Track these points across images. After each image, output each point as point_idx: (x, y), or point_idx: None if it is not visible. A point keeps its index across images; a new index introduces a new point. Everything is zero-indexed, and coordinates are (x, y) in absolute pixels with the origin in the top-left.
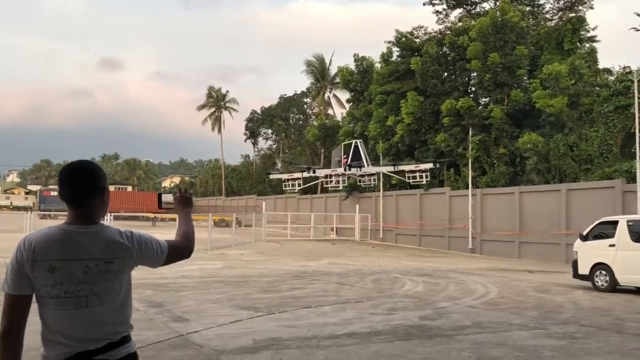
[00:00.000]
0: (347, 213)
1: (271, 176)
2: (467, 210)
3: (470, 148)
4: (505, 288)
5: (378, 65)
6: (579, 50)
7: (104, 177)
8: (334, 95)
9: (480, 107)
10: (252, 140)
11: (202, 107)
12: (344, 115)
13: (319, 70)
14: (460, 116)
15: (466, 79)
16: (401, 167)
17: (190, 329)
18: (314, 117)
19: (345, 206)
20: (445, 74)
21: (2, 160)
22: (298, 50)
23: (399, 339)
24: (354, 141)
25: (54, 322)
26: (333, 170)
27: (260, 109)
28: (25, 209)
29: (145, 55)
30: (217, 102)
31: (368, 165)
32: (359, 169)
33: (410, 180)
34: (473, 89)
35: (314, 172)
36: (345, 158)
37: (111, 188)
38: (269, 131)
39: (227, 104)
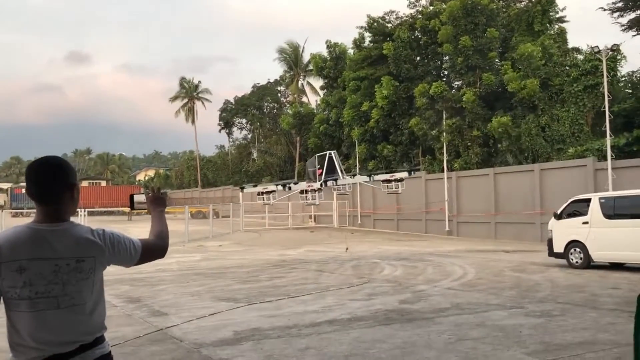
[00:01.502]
0: (325, 200)
1: (245, 190)
2: (444, 194)
3: (444, 132)
4: (482, 269)
5: (351, 52)
6: (548, 31)
7: (73, 173)
8: (308, 83)
9: (453, 90)
10: (227, 131)
11: (174, 98)
12: (318, 102)
13: (292, 57)
14: (434, 100)
15: (439, 62)
16: (377, 178)
17: (169, 323)
18: (288, 105)
19: (323, 193)
20: (418, 58)
21: None
22: (270, 38)
23: (379, 324)
24: (327, 152)
25: (23, 325)
26: (309, 185)
27: (233, 99)
28: None
29: (113, 47)
30: (189, 92)
31: (343, 177)
32: (334, 182)
33: (387, 190)
34: (446, 72)
35: (290, 188)
36: (319, 169)
37: (85, 183)
38: (244, 121)
39: (199, 95)
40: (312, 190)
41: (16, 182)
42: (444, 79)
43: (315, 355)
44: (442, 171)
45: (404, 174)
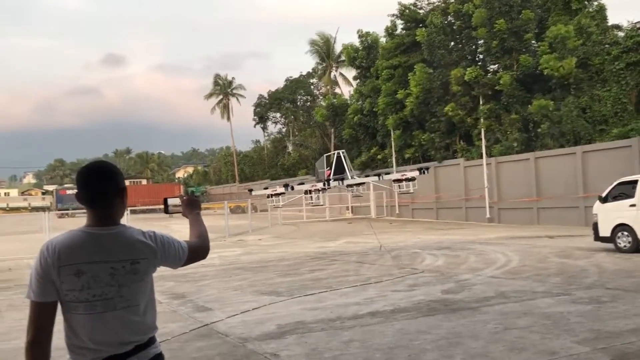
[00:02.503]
0: (364, 192)
1: (253, 193)
2: (483, 180)
3: (481, 117)
4: (526, 256)
5: (383, 40)
6: (586, 9)
7: (122, 177)
8: (340, 74)
9: (489, 74)
10: (262, 125)
11: (209, 95)
12: (352, 93)
13: (323, 49)
14: (470, 85)
15: (473, 47)
16: (387, 177)
17: (214, 318)
18: (321, 97)
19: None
20: (452, 43)
21: (18, 162)
22: (301, 31)
23: (422, 315)
24: (336, 152)
25: (82, 327)
26: (313, 186)
27: (267, 93)
28: (43, 209)
29: (146, 48)
30: (223, 89)
31: (352, 177)
32: (341, 181)
33: (398, 190)
34: (481, 56)
35: (292, 188)
36: (328, 170)
37: (126, 182)
38: (278, 115)
39: (234, 91)
40: (315, 191)
41: (61, 184)
42: (479, 64)
43: (359, 348)
44: (481, 157)
45: (415, 173)
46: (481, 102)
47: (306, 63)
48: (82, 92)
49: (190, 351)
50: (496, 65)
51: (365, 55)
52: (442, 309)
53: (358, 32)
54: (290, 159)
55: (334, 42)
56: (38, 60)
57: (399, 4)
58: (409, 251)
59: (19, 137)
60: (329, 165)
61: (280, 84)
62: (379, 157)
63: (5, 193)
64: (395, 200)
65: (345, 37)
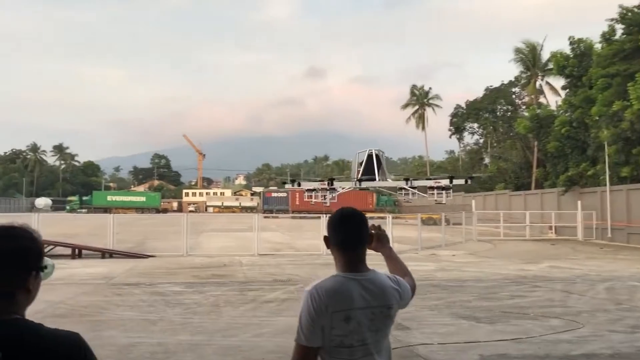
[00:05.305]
0: (567, 210)
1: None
2: None
3: None
4: None
5: (598, 46)
6: None
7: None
8: (547, 83)
9: None
10: (457, 136)
11: (405, 106)
12: (559, 103)
13: (529, 57)
14: None
15: None
16: (416, 183)
17: (412, 338)
18: (524, 107)
19: (564, 202)
20: None
21: (232, 165)
22: (499, 39)
23: None
24: (367, 150)
25: None
26: (321, 183)
27: (465, 103)
28: (251, 209)
29: (345, 60)
30: (420, 99)
31: (385, 178)
32: (357, 182)
33: (432, 198)
34: None
35: (299, 184)
36: (359, 169)
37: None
38: (475, 125)
39: (430, 101)
40: (322, 189)
41: (266, 187)
42: None
43: None
44: None
45: (446, 181)
46: None
47: (505, 72)
48: (285, 103)
49: None
50: None
51: (576, 63)
52: None
53: (569, 38)
54: (487, 171)
55: (541, 49)
56: (249, 73)
57: (620, 6)
58: (625, 283)
59: (233, 143)
60: (360, 163)
61: (477, 93)
62: (589, 173)
63: (220, 193)
64: (608, 222)
65: (553, 45)
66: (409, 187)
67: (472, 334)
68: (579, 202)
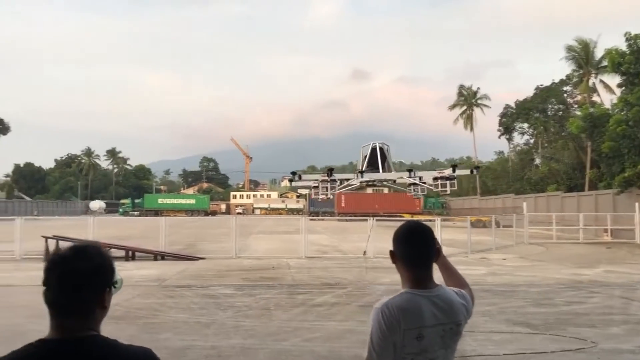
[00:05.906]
0: (623, 212)
1: (293, 183)
2: None
3: None
4: None
5: None
6: None
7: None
8: (601, 81)
9: None
10: (507, 136)
11: (453, 106)
12: (615, 102)
13: (581, 55)
14: None
15: None
16: (419, 174)
17: (467, 345)
18: (576, 106)
19: (620, 204)
20: None
21: (278, 167)
22: (549, 37)
23: None
24: (372, 143)
25: None
26: (322, 176)
27: (514, 103)
28: (298, 211)
29: (389, 61)
30: (468, 100)
31: (391, 170)
32: (358, 175)
33: (440, 190)
34: None
35: (300, 177)
36: (363, 160)
37: (368, 190)
38: (525, 125)
39: (478, 101)
40: (323, 181)
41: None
42: None
43: None
44: None
45: (449, 171)
46: None
47: (558, 70)
48: (331, 105)
49: None
50: None
51: (633, 60)
52: None
53: (625, 34)
54: (538, 172)
55: (594, 47)
56: (295, 76)
57: None
58: None
59: (280, 146)
60: (365, 156)
61: (526, 93)
62: None
63: (267, 195)
64: None
65: (607, 42)
66: (420, 182)
67: (528, 343)
68: (637, 204)
